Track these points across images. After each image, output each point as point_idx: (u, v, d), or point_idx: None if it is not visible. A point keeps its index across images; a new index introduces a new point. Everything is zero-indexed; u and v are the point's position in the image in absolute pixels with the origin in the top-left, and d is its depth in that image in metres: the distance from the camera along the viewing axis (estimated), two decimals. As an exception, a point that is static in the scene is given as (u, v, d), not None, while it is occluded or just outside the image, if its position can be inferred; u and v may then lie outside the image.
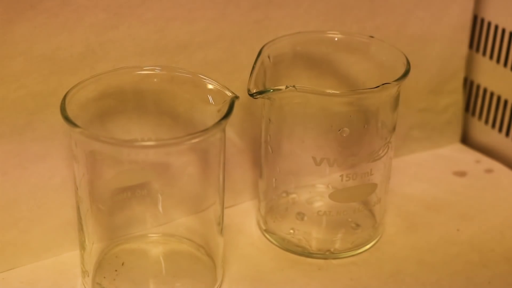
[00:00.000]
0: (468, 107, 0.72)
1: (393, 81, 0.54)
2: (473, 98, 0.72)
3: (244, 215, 0.63)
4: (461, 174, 0.69)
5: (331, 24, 0.62)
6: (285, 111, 0.56)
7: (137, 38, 0.56)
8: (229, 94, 0.51)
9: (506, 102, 0.68)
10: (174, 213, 0.58)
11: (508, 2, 0.66)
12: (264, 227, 0.61)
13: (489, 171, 0.69)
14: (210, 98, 0.52)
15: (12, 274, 0.56)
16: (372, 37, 0.59)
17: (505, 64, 0.67)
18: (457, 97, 0.71)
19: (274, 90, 0.53)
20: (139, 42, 0.56)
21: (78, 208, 0.53)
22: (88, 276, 0.54)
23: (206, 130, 0.49)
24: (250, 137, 0.62)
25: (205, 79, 0.53)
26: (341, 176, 0.57)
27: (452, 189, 0.67)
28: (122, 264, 0.56)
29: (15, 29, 0.51)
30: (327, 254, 0.59)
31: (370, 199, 0.60)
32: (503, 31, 0.67)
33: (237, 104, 0.51)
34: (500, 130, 0.70)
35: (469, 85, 0.72)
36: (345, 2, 0.62)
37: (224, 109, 0.50)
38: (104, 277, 0.55)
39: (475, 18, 0.69)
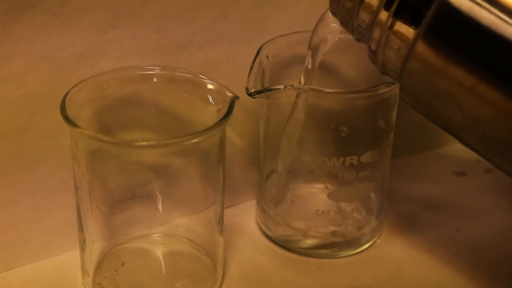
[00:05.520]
0: (468, 107, 0.72)
1: (393, 81, 0.54)
2: (473, 98, 0.72)
3: (244, 215, 0.63)
4: (461, 174, 0.69)
5: (331, 24, 0.62)
6: (283, 110, 0.56)
7: (137, 38, 0.56)
8: (229, 94, 0.51)
9: (506, 102, 0.68)
10: (174, 213, 0.58)
11: (508, 2, 0.66)
12: (264, 227, 0.61)
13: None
14: (210, 98, 0.52)
15: (12, 274, 0.56)
16: (372, 37, 0.59)
17: (505, 64, 0.67)
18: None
19: (272, 89, 0.53)
20: (139, 42, 0.56)
21: (78, 208, 0.53)
22: (88, 276, 0.54)
23: (206, 130, 0.49)
24: (250, 137, 0.62)
25: (205, 79, 0.53)
26: (341, 175, 0.57)
27: (452, 189, 0.67)
28: (122, 264, 0.56)
29: (15, 29, 0.51)
30: (327, 254, 0.59)
31: (370, 199, 0.60)
32: (503, 31, 0.67)
33: (237, 104, 0.51)
34: (500, 130, 0.70)
35: (469, 85, 0.72)
36: (345, 2, 0.62)
37: (224, 109, 0.50)
38: (104, 277, 0.55)
39: (475, 18, 0.69)
